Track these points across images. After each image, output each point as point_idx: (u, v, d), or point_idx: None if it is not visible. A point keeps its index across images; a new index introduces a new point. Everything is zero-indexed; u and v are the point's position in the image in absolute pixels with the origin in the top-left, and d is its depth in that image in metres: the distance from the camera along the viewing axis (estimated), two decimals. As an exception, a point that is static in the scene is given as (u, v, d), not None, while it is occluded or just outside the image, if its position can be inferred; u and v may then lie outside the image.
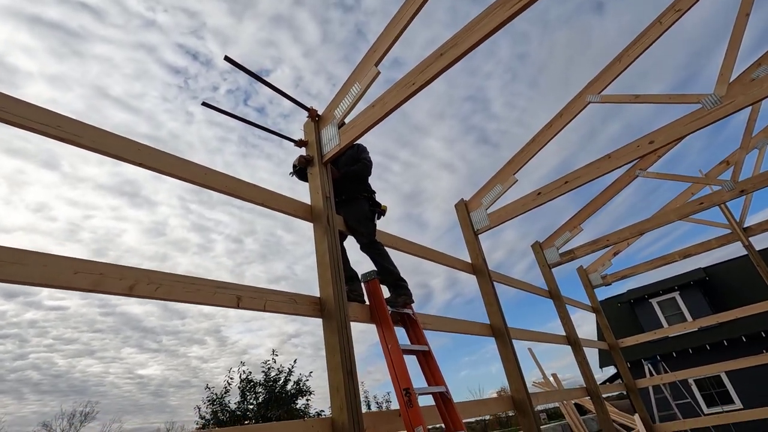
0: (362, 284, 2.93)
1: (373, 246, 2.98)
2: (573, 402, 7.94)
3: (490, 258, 4.37)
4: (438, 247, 3.98)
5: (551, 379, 7.71)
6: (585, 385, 5.34)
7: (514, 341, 3.98)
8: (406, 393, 2.37)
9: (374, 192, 3.22)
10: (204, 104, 2.65)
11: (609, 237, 5.66)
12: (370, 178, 3.29)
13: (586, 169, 3.93)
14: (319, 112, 3.14)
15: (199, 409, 11.09)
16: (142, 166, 2.09)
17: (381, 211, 3.14)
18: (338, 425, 2.12)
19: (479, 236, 4.53)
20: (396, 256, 3.23)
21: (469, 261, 4.41)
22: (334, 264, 2.56)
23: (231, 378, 11.44)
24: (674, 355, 13.73)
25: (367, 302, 2.86)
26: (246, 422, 10.72)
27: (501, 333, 3.92)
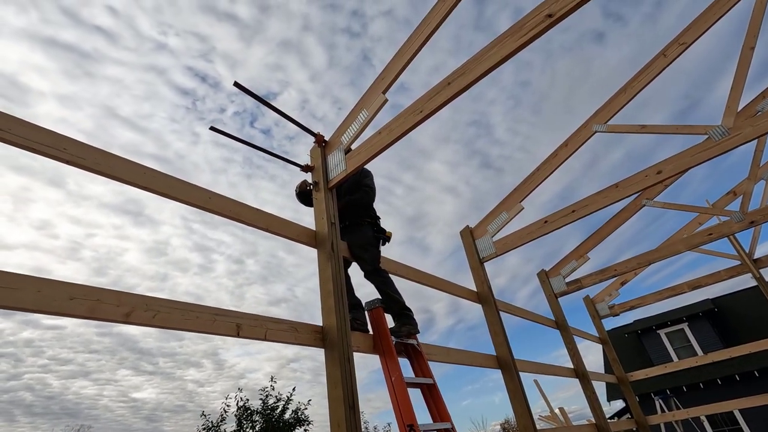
0: (366, 312, 2.85)
1: (377, 273, 2.92)
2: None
3: (492, 284, 4.28)
4: (441, 272, 3.92)
5: (558, 413, 7.44)
6: (594, 421, 5.13)
7: (520, 374, 3.85)
8: (411, 429, 2.26)
9: (378, 217, 3.18)
10: (212, 128, 2.65)
11: (616, 266, 5.56)
12: (376, 199, 3.26)
13: (593, 198, 3.89)
14: (326, 137, 3.15)
15: None
16: (147, 189, 2.07)
17: (386, 237, 3.09)
18: (338, 464, 2.01)
19: (485, 264, 4.46)
20: (398, 282, 3.16)
21: (474, 289, 4.32)
22: (338, 291, 2.49)
23: (228, 405, 11.15)
24: (684, 389, 13.30)
25: (371, 331, 2.77)
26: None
27: (508, 365, 3.79)
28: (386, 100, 2.81)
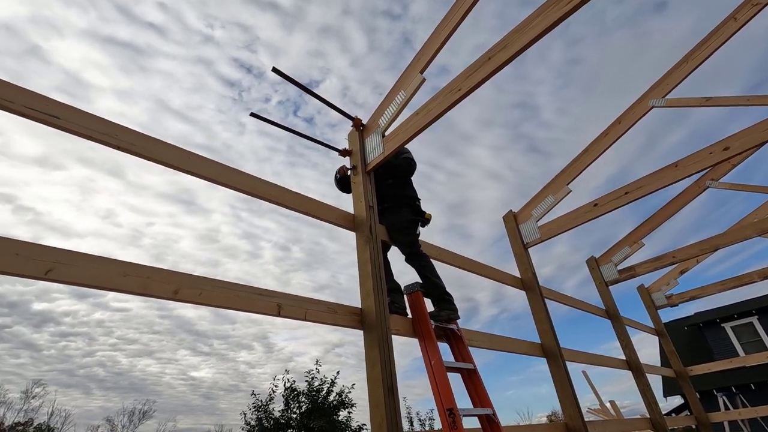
0: (405, 296, 2.84)
1: (417, 257, 2.89)
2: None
3: (538, 273, 4.13)
4: (484, 261, 3.82)
5: (609, 406, 7.12)
6: (648, 416, 4.86)
7: (567, 363, 3.71)
8: (450, 413, 2.24)
9: (418, 199, 3.14)
10: (252, 114, 2.71)
11: (675, 253, 5.18)
12: (416, 186, 3.21)
13: (649, 179, 3.62)
14: (364, 122, 3.13)
15: (245, 414, 11.39)
16: (194, 174, 2.15)
17: (425, 219, 3.05)
18: (378, 444, 2.03)
19: (529, 249, 4.30)
20: (440, 267, 3.12)
21: (518, 275, 4.19)
22: (376, 274, 2.49)
23: (276, 386, 11.67)
24: (753, 387, 12.31)
25: (410, 315, 2.76)
26: (289, 431, 10.81)
27: (553, 354, 3.66)
28: (424, 80, 2.74)
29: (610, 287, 5.56)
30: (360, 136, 3.08)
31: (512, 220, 4.47)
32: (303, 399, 11.08)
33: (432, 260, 3.30)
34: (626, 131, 3.86)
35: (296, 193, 2.53)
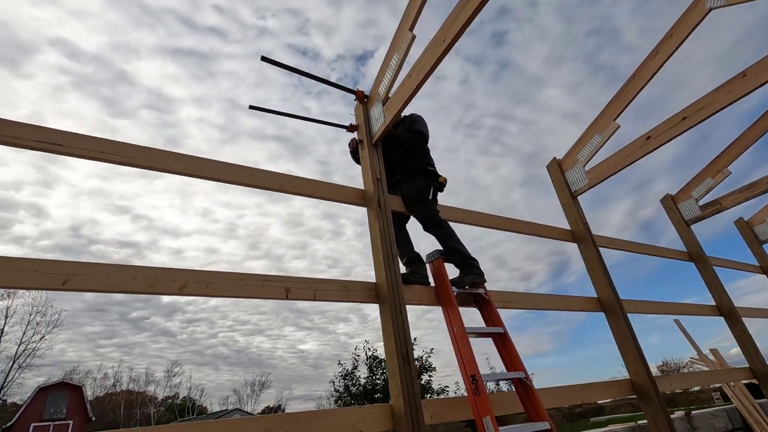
0: (427, 265, 2.79)
1: (436, 224, 2.80)
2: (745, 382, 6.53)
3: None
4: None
5: (710, 354, 6.41)
6: (749, 365, 4.30)
7: (634, 316, 3.39)
8: (473, 380, 2.19)
9: (432, 164, 3.00)
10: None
11: (771, 178, 4.38)
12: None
13: (710, 97, 3.06)
14: (366, 93, 3.04)
15: (333, 383, 12.30)
16: (198, 176, 2.28)
17: (440, 183, 2.92)
18: (397, 412, 2.06)
19: (578, 198, 3.94)
20: (474, 231, 2.99)
21: (567, 228, 3.87)
22: (387, 247, 2.47)
23: (357, 355, 12.36)
24: None
25: (433, 284, 2.71)
26: (376, 395, 11.45)
27: (612, 307, 3.37)
28: (414, 37, 2.57)
29: (691, 226, 4.91)
30: (364, 108, 3.00)
31: (557, 169, 4.10)
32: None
33: (461, 224, 3.19)
34: (679, 46, 3.26)
35: (297, 177, 2.56)
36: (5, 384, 30.42)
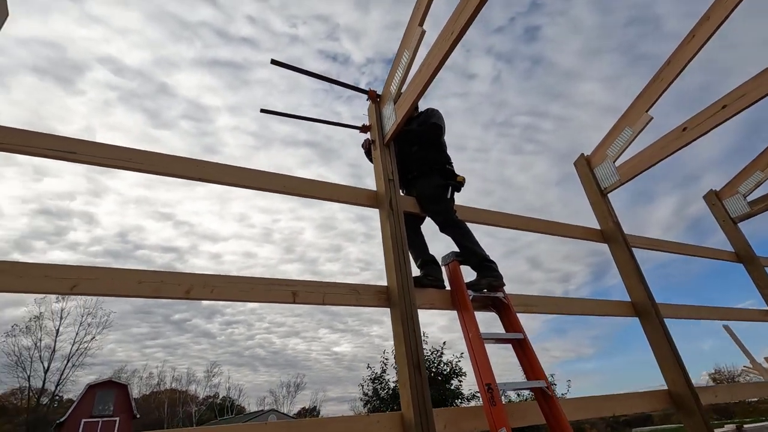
0: (442, 268, 2.69)
1: (452, 225, 2.69)
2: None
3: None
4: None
5: (764, 362, 5.90)
6: (809, 376, 3.90)
7: (671, 320, 3.15)
8: (489, 389, 2.07)
9: (450, 162, 2.90)
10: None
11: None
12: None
13: (753, 83, 2.79)
14: (378, 92, 2.98)
15: (362, 386, 12.26)
16: (209, 181, 2.29)
17: (457, 183, 2.81)
18: (407, 422, 1.98)
19: (608, 195, 3.71)
20: (494, 231, 2.87)
21: (597, 227, 3.65)
22: (398, 249, 2.39)
23: (386, 359, 12.28)
24: None
25: (448, 287, 2.61)
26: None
27: (647, 312, 3.14)
28: (424, 32, 2.49)
29: (738, 224, 4.53)
30: (376, 108, 2.94)
31: (585, 165, 3.89)
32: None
33: (482, 225, 3.08)
34: (718, 28, 3.00)
35: (308, 180, 2.53)
36: (60, 381, 32.47)
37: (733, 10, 2.96)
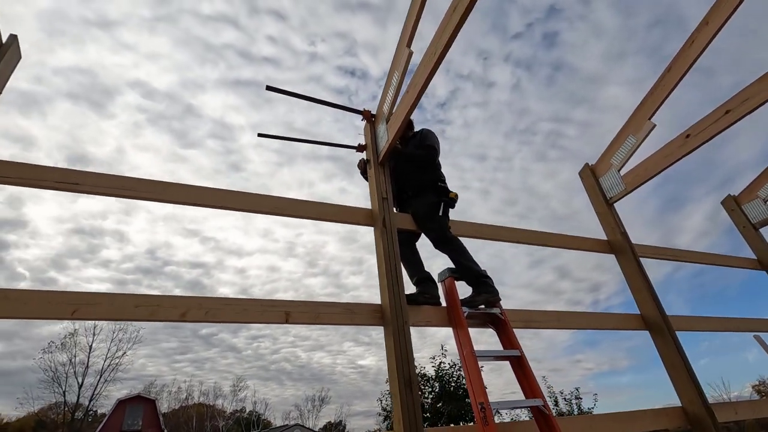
0: (439, 285, 2.69)
1: (446, 242, 2.70)
2: None
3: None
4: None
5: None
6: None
7: (685, 334, 3.04)
8: (481, 408, 2.05)
9: (443, 180, 2.92)
10: (260, 135, 2.85)
11: None
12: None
13: (757, 86, 2.71)
14: (373, 112, 3.05)
15: (381, 400, 12.15)
16: (203, 206, 2.38)
17: (450, 199, 2.82)
18: (399, 441, 1.98)
19: (614, 205, 3.64)
20: (507, 246, 2.86)
21: (604, 238, 3.57)
22: (391, 267, 2.42)
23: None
24: None
25: (444, 304, 2.60)
26: (425, 414, 11.14)
27: (657, 325, 3.04)
28: (411, 53, 2.54)
29: (759, 230, 4.34)
30: (371, 128, 3.00)
31: (590, 176, 3.83)
32: (436, 383, 11.34)
33: (478, 239, 3.07)
34: (719, 30, 2.93)
35: (301, 201, 2.59)
36: (94, 396, 33.44)
37: (731, 14, 2.90)
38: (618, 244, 3.44)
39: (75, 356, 33.29)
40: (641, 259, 3.36)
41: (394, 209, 2.78)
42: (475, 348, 2.28)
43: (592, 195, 3.78)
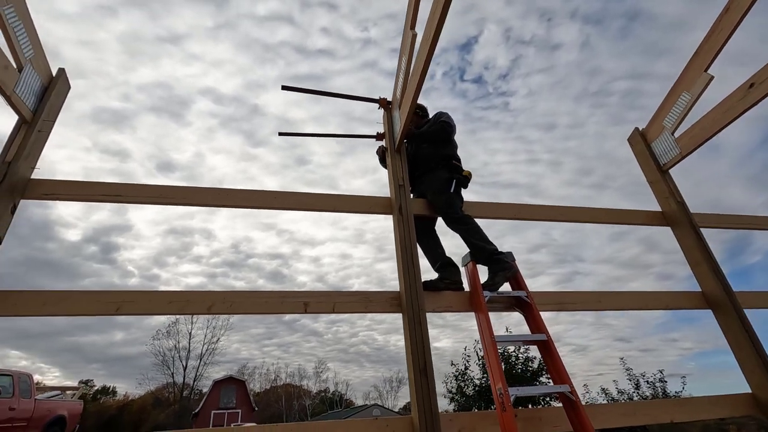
0: (462, 269, 2.64)
1: (458, 221, 2.62)
2: None
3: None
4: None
5: None
6: None
7: (749, 311, 2.69)
8: (500, 394, 2.01)
9: (457, 157, 2.83)
10: (281, 134, 2.96)
11: None
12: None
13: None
14: (389, 99, 3.02)
15: (446, 383, 12.13)
16: (229, 206, 2.56)
17: (463, 177, 2.73)
18: (416, 426, 2.01)
19: (669, 172, 3.27)
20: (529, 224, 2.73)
21: (658, 209, 3.24)
22: (407, 254, 2.42)
23: (468, 356, 12.02)
24: None
25: (467, 288, 2.56)
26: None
27: (721, 302, 2.72)
28: (415, 35, 2.49)
29: None
30: (388, 115, 2.99)
31: (640, 141, 3.46)
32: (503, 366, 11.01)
33: (495, 219, 2.95)
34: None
35: (320, 194, 2.67)
36: (197, 377, 37.52)
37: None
38: (674, 215, 3.10)
39: (179, 342, 37.52)
40: (702, 229, 3.00)
41: (411, 195, 2.75)
42: (503, 332, 2.23)
43: (643, 162, 3.43)
